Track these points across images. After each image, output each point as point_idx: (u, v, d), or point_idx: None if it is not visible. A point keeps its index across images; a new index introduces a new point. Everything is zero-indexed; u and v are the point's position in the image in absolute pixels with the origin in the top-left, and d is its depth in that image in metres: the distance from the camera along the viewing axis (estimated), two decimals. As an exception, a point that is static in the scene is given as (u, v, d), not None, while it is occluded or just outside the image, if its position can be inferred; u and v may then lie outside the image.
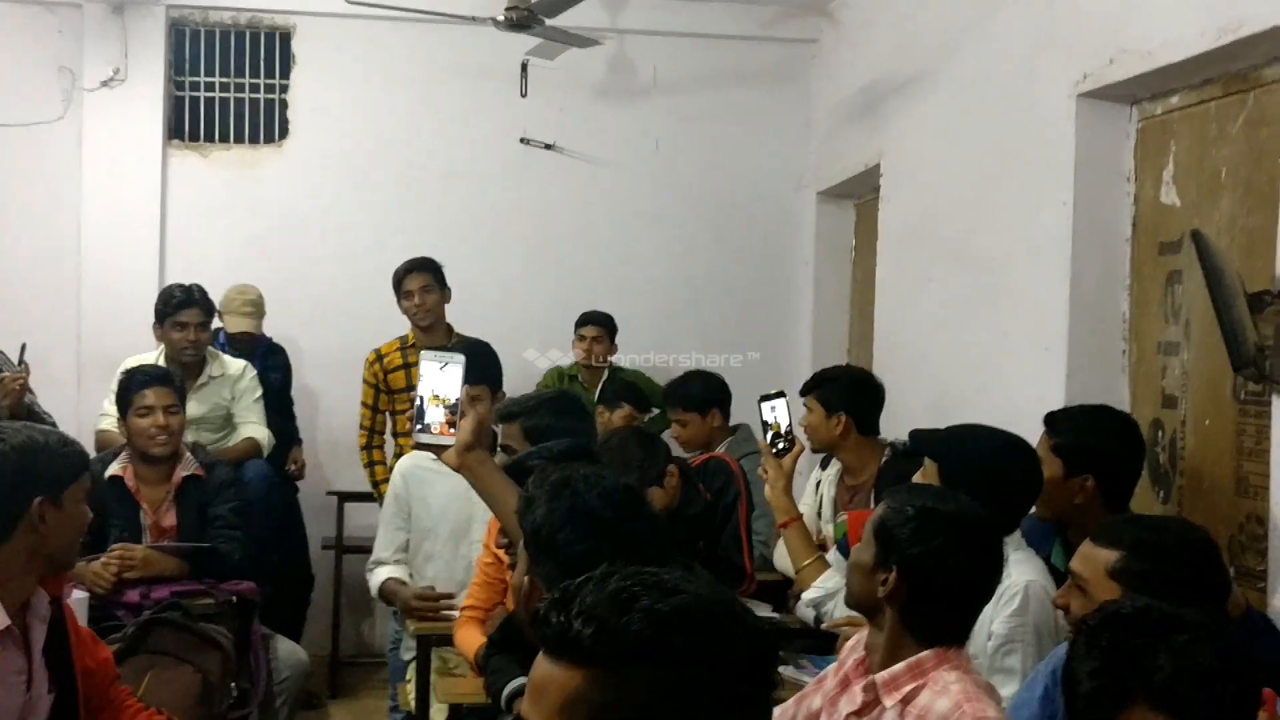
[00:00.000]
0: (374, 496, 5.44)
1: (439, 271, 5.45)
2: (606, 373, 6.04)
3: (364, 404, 5.55)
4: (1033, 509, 2.91)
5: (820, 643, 3.59)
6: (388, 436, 5.70)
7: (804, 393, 4.03)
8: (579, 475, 2.13)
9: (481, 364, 4.05)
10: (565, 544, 2.03)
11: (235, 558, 4.03)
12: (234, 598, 3.89)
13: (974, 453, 2.86)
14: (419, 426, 2.54)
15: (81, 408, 5.90)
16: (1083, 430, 2.95)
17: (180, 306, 4.94)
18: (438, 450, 2.57)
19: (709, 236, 6.76)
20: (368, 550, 6.04)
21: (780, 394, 3.61)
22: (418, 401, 2.55)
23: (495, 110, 6.53)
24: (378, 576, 4.20)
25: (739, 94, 6.76)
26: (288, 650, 4.10)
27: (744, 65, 6.77)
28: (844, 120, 6.26)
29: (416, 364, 5.33)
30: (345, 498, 6.12)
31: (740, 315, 6.78)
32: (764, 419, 3.58)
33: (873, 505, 3.67)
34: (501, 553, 3.47)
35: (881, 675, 2.19)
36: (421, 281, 5.39)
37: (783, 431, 3.56)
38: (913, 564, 2.18)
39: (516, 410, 3.51)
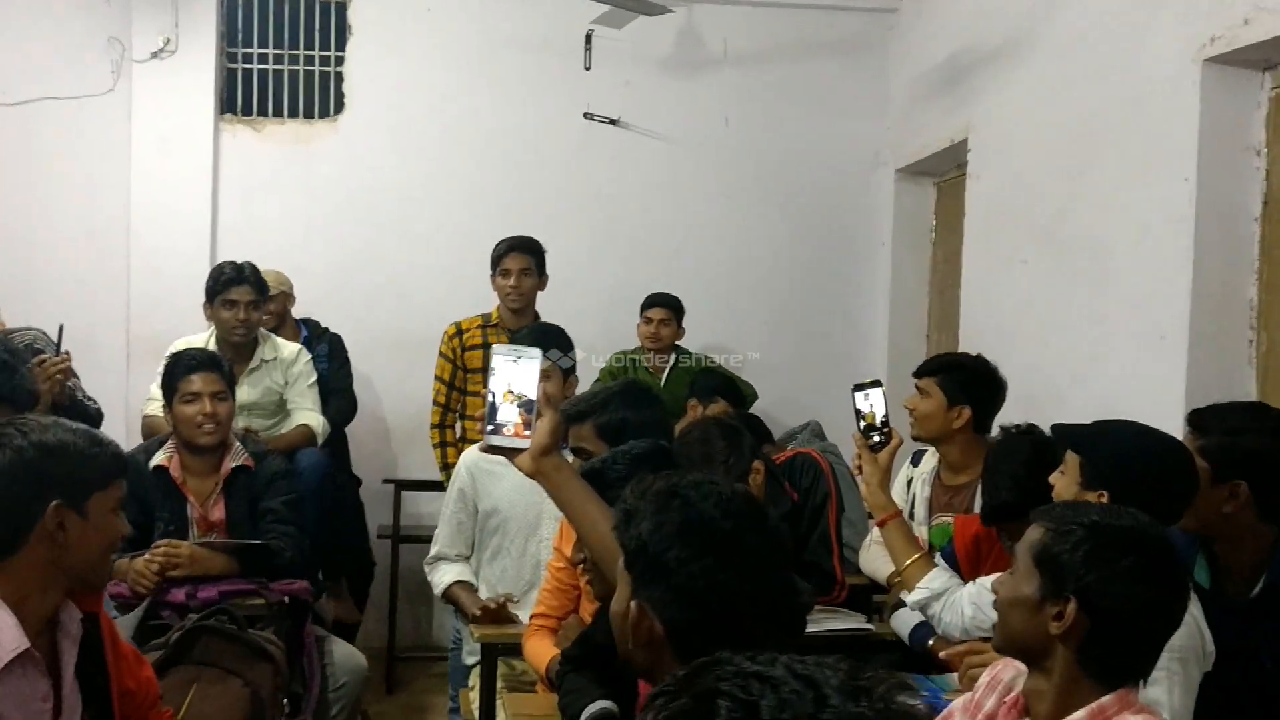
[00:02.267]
0: (441, 483, 5.14)
1: (541, 255, 5.19)
2: (673, 358, 5.78)
3: (438, 378, 5.25)
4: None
5: (910, 658, 3.30)
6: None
7: (921, 374, 3.74)
8: (688, 482, 1.82)
9: (557, 342, 3.79)
10: (678, 563, 1.73)
11: (287, 555, 3.77)
12: (286, 598, 3.65)
13: (1129, 450, 2.56)
14: (490, 427, 2.25)
15: (130, 392, 5.74)
16: (1236, 430, 2.62)
17: (230, 284, 4.71)
18: (510, 454, 2.28)
19: (780, 217, 6.47)
20: (426, 540, 5.88)
21: (876, 383, 3.32)
22: (489, 399, 2.26)
23: (558, 84, 6.29)
24: (441, 574, 3.96)
25: (813, 66, 6.46)
26: (344, 654, 3.85)
27: (819, 36, 6.46)
28: (925, 93, 5.95)
29: (496, 343, 5.18)
30: (402, 486, 5.90)
31: (812, 300, 6.50)
32: (857, 408, 3.29)
33: (976, 506, 3.39)
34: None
35: None
36: (522, 263, 5.12)
37: (878, 423, 3.27)
38: (1094, 592, 1.89)
39: (586, 409, 3.21)
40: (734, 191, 6.44)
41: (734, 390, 5.21)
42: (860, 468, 3.28)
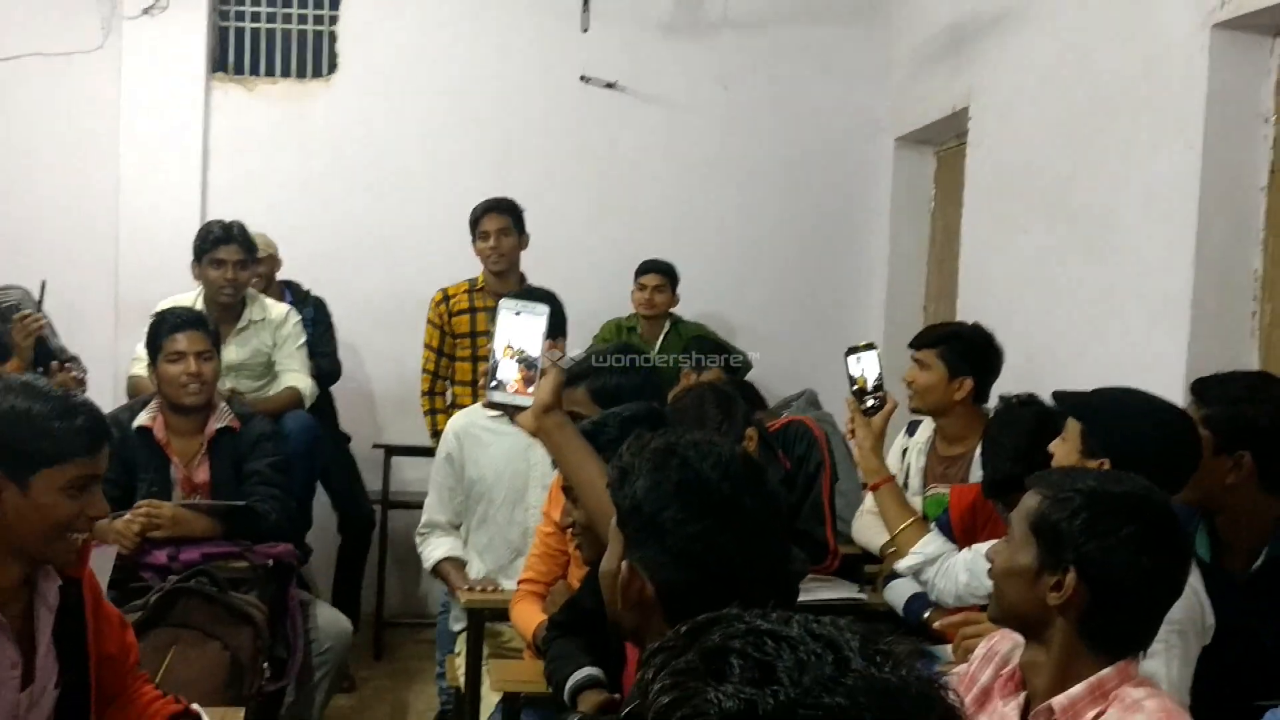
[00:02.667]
0: (431, 449, 5.08)
1: (519, 214, 5.11)
2: (667, 324, 5.72)
3: (427, 345, 5.20)
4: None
5: (903, 630, 3.25)
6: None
7: (920, 346, 3.67)
8: (686, 441, 1.76)
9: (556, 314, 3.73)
10: (674, 523, 1.67)
11: (272, 518, 3.72)
12: (270, 561, 3.59)
13: (1132, 417, 2.50)
14: (493, 383, 2.21)
15: (119, 354, 5.64)
16: (1240, 400, 2.55)
17: (218, 243, 4.63)
18: (512, 411, 2.24)
19: (778, 183, 6.38)
20: (416, 506, 5.80)
21: (870, 346, 3.25)
22: (492, 355, 2.22)
23: (554, 45, 6.18)
24: (431, 548, 3.93)
25: (813, 32, 6.35)
26: (329, 619, 3.81)
27: (820, 1, 6.35)
28: (927, 60, 5.86)
29: (483, 309, 5.14)
30: (392, 451, 5.84)
31: (810, 267, 6.42)
32: (850, 373, 3.22)
33: (972, 476, 3.33)
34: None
35: (1059, 701, 1.83)
36: (499, 223, 5.05)
37: (871, 386, 3.20)
38: (1093, 562, 1.82)
39: (579, 371, 3.15)
40: (732, 158, 6.34)
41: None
42: (853, 432, 3.22)
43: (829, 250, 6.43)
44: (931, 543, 3.05)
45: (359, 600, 5.56)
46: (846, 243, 6.44)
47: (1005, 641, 2.03)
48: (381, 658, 5.67)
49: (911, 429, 3.83)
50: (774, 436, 3.56)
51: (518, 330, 2.23)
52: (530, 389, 2.22)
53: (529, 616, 3.08)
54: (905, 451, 3.77)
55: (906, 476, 3.69)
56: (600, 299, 5.85)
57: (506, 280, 5.05)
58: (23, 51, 5.90)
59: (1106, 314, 4.09)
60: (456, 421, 3.93)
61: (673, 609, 1.66)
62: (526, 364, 2.23)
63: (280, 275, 5.47)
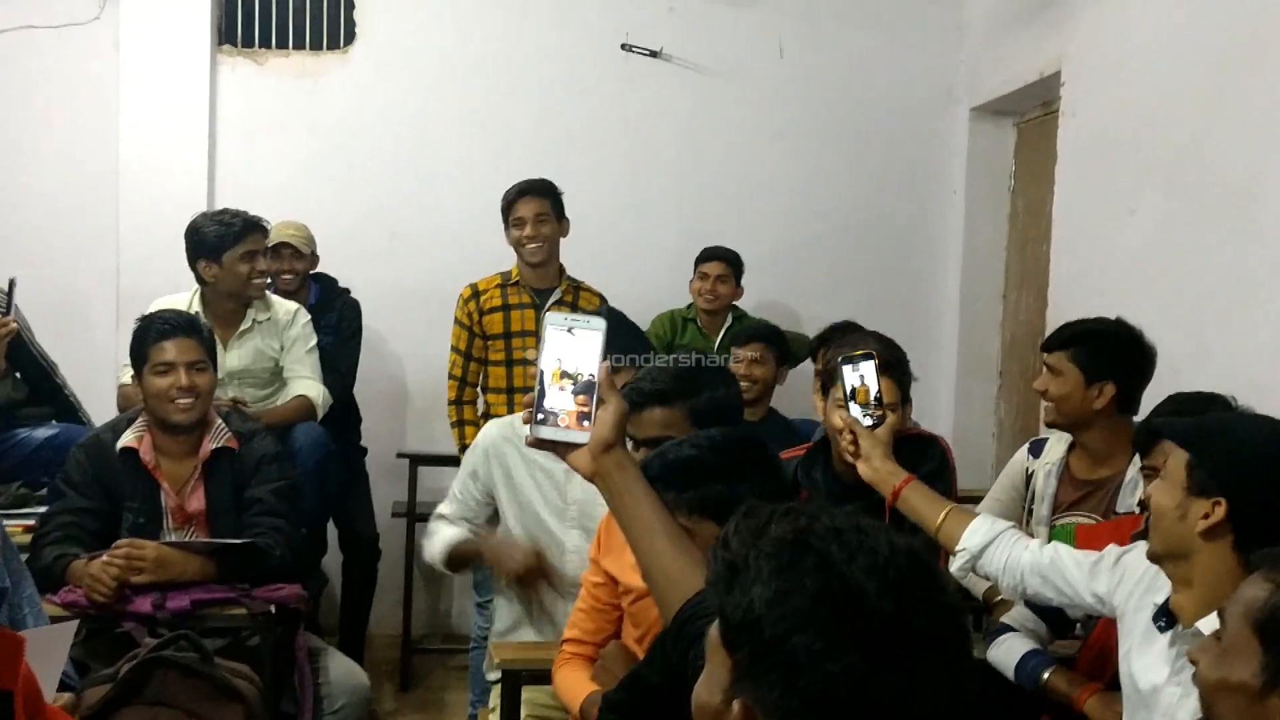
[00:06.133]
0: (458, 461, 4.56)
1: (558, 198, 4.60)
2: (729, 319, 5.20)
3: (454, 348, 4.68)
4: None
5: (1014, 694, 2.70)
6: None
7: (1050, 348, 3.18)
8: (824, 529, 1.21)
9: (622, 332, 3.18)
10: (810, 655, 1.12)
11: (276, 554, 3.20)
12: (272, 607, 3.07)
13: (1260, 443, 2.00)
14: (539, 416, 1.73)
15: (121, 353, 5.12)
16: None
17: (246, 231, 4.11)
18: (563, 449, 1.73)
19: (840, 161, 5.85)
20: (443, 519, 5.37)
21: (868, 355, 2.74)
22: (538, 379, 1.73)
23: (592, 11, 5.70)
24: (434, 544, 3.43)
25: (879, -11, 5.82)
26: (343, 671, 3.29)
27: (885, -44, 5.83)
28: (1008, 20, 5.31)
29: (518, 307, 4.54)
30: (418, 460, 5.32)
31: (876, 253, 5.89)
32: (846, 384, 2.73)
33: (1120, 507, 2.78)
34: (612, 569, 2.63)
35: None
36: (536, 208, 4.53)
37: (872, 399, 2.69)
38: None
39: (668, 388, 2.62)
40: (788, 132, 5.82)
41: (779, 341, 4.62)
42: (852, 447, 2.67)
43: (898, 233, 5.90)
44: (977, 531, 2.48)
45: (364, 640, 5.04)
46: (917, 224, 5.91)
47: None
48: (408, 688, 5.17)
49: (1036, 449, 3.28)
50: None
51: (570, 349, 1.73)
52: (586, 423, 1.74)
53: (576, 686, 2.54)
54: (1030, 476, 3.22)
55: (1030, 504, 3.15)
56: (642, 291, 5.33)
57: (544, 273, 4.57)
58: (13, 25, 5.44)
59: (1241, 304, 3.55)
60: (489, 433, 3.37)
61: None
62: (581, 390, 1.73)
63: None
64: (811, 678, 1.13)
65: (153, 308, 3.89)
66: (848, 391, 2.72)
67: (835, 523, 1.22)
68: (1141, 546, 2.22)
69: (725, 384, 2.73)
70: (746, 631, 1.18)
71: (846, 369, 2.75)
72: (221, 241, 4.13)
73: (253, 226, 4.18)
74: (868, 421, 2.68)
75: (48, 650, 2.41)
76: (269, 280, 4.62)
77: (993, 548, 2.46)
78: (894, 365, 2.90)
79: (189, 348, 3.34)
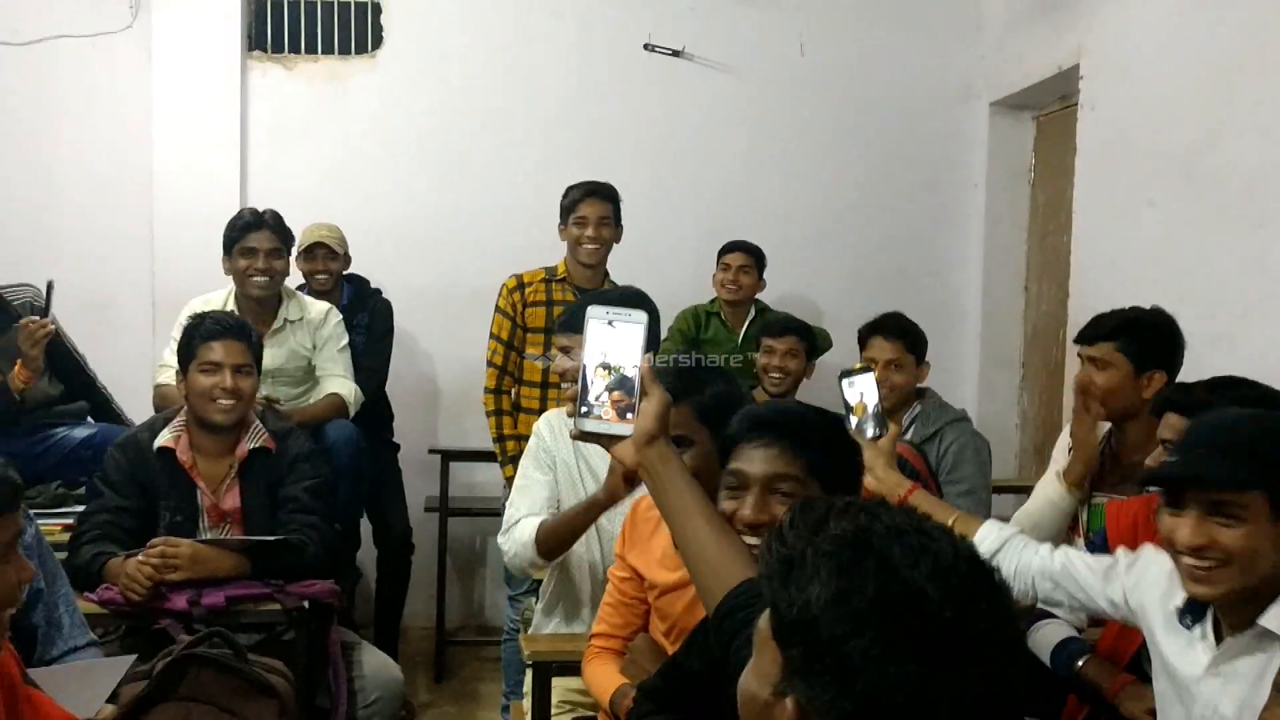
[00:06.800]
0: (496, 456, 4.57)
1: (619, 205, 4.58)
2: (752, 311, 5.24)
3: (494, 336, 4.59)
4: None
5: (1048, 679, 2.75)
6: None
7: (1091, 340, 3.16)
8: (885, 529, 1.20)
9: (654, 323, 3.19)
10: (866, 659, 1.12)
11: (310, 551, 3.27)
12: (306, 603, 3.15)
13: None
14: (583, 409, 1.78)
15: (156, 356, 5.25)
16: None
17: (248, 229, 4.22)
18: (607, 442, 1.81)
19: (861, 156, 5.88)
20: (476, 513, 5.43)
21: (866, 368, 2.75)
22: (581, 373, 1.79)
23: (616, 12, 5.74)
24: (525, 528, 3.07)
25: (898, -14, 5.84)
26: (376, 665, 3.35)
27: (904, -49, 5.84)
28: (1027, 14, 5.33)
29: (562, 303, 4.48)
30: (449, 456, 5.39)
31: (897, 247, 5.92)
32: (846, 400, 2.72)
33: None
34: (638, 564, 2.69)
35: None
36: (601, 210, 4.50)
37: (872, 413, 2.71)
38: None
39: (677, 386, 2.66)
40: (810, 128, 5.85)
41: (809, 335, 4.68)
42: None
43: (918, 227, 5.93)
44: (986, 537, 2.51)
45: (399, 633, 5.11)
46: (937, 218, 5.93)
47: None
48: (442, 679, 5.25)
49: None
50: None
51: (612, 343, 1.79)
52: (629, 415, 1.80)
53: (606, 679, 2.60)
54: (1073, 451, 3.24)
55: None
56: (666, 287, 5.35)
57: (594, 274, 4.54)
58: (48, 35, 5.56)
59: (1258, 296, 3.58)
60: (541, 428, 3.30)
61: None
62: (621, 384, 1.79)
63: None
64: (868, 682, 1.12)
65: (193, 307, 3.98)
66: (848, 406, 2.74)
67: (896, 522, 1.22)
68: (1151, 547, 2.25)
69: (726, 381, 2.76)
70: (802, 630, 1.17)
71: (845, 384, 2.77)
72: (229, 240, 4.26)
73: (253, 224, 4.25)
74: (872, 432, 2.72)
75: (97, 681, 2.50)
76: (304, 281, 4.71)
77: (1002, 553, 2.48)
78: (888, 326, 2.92)
79: (236, 350, 3.41)
